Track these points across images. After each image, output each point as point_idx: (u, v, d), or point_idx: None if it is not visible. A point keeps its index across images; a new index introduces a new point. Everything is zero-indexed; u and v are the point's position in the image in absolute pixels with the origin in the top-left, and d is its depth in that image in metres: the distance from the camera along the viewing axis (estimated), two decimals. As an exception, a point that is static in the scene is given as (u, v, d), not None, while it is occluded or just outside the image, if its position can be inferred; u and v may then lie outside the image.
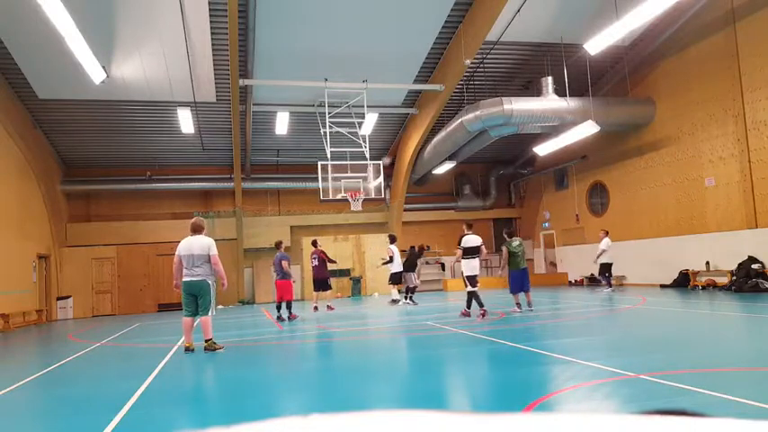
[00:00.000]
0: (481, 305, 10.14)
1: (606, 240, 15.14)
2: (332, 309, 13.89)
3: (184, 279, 7.66)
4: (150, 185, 19.66)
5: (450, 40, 14.66)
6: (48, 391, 6.06)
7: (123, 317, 17.43)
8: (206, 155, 19.68)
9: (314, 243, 14.02)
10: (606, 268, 15.12)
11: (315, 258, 13.57)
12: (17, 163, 15.65)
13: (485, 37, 13.23)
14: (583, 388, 4.46)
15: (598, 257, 15.22)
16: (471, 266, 10.40)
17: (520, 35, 14.55)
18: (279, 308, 11.97)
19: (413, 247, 15.23)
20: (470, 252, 10.42)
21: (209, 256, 7.67)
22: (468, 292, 10.42)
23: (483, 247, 10.64)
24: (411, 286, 14.59)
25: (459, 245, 10.59)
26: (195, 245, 7.68)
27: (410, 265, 14.73)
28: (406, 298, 14.42)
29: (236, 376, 6.15)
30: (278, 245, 12.30)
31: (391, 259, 14.59)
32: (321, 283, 13.64)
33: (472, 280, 10.39)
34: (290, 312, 11.89)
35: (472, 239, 10.51)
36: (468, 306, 10.41)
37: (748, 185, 13.38)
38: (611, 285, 15.15)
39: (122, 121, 17.08)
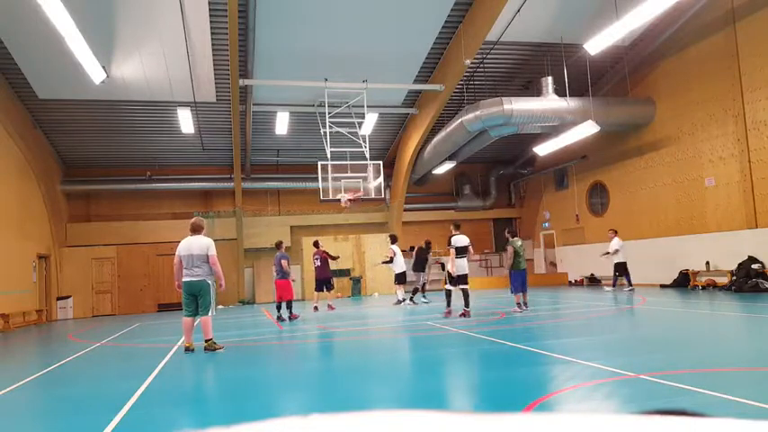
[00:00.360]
0: (449, 305, 10.71)
1: (617, 240, 15.08)
2: (333, 308, 13.92)
3: (184, 279, 7.67)
4: (150, 185, 19.66)
5: (450, 40, 14.66)
6: (48, 391, 6.06)
7: (123, 317, 17.43)
8: (206, 155, 19.69)
9: (315, 244, 14.09)
10: (620, 267, 15.02)
11: (317, 259, 13.67)
12: (17, 163, 15.65)
13: (485, 37, 13.23)
14: (583, 388, 4.46)
15: (608, 254, 15.12)
16: (461, 266, 10.59)
17: (520, 35, 14.55)
18: (279, 308, 11.98)
19: (416, 248, 15.13)
20: (460, 252, 10.60)
21: (207, 256, 7.67)
22: (446, 291, 10.81)
23: (470, 247, 10.81)
24: (418, 287, 14.62)
25: (449, 245, 10.73)
26: (194, 245, 7.68)
27: (420, 265, 14.69)
28: (412, 298, 14.42)
29: (236, 376, 6.15)
30: (278, 245, 12.33)
31: (391, 259, 14.57)
32: (324, 283, 13.75)
33: (460, 279, 10.58)
34: (290, 312, 11.88)
35: (461, 239, 10.66)
36: (467, 305, 10.49)
37: (748, 185, 13.38)
38: (614, 285, 15.08)
39: (122, 121, 17.08)
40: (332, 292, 13.97)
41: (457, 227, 11.01)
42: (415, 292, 14.65)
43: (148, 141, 18.55)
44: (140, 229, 19.59)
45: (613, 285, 15.12)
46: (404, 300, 14.42)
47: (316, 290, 13.88)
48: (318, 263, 13.65)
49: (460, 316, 10.39)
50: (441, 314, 10.84)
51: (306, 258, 19.72)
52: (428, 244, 15.14)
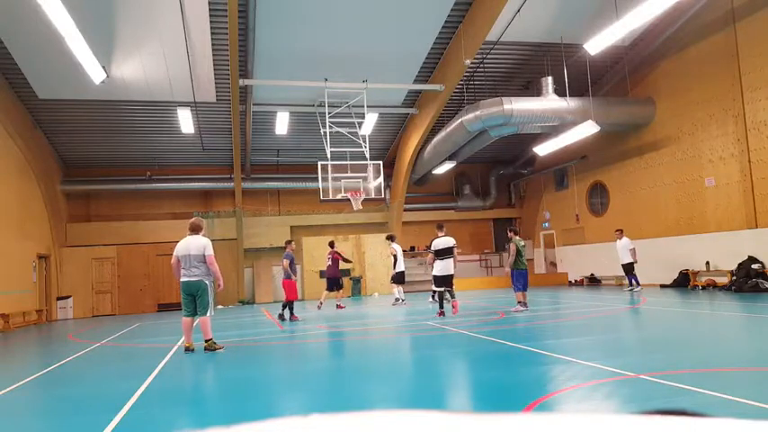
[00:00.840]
0: (441, 306, 10.75)
1: (627, 239, 14.80)
2: (342, 307, 14.08)
3: (182, 279, 7.67)
4: (150, 185, 19.66)
5: (450, 40, 14.66)
6: (48, 391, 6.06)
7: (123, 317, 17.43)
8: (206, 155, 19.69)
9: (331, 244, 14.39)
10: (626, 267, 14.79)
11: (329, 258, 13.98)
12: (17, 163, 15.65)
13: (485, 37, 13.23)
14: (583, 388, 4.46)
15: (634, 255, 14.69)
16: (438, 268, 10.71)
17: (520, 35, 14.55)
18: (284, 306, 12.01)
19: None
20: (442, 254, 10.70)
21: (205, 256, 7.67)
22: (438, 293, 10.90)
23: (455, 248, 10.89)
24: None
25: (430, 248, 10.85)
26: (192, 245, 7.68)
27: None
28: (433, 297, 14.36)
29: (236, 376, 6.15)
30: (285, 244, 12.44)
31: (395, 258, 14.58)
32: (333, 282, 14.01)
33: (439, 280, 10.72)
34: (291, 313, 11.88)
35: (443, 241, 10.76)
36: (453, 297, 10.79)
37: (748, 185, 13.38)
38: (639, 284, 14.67)
39: (122, 121, 17.08)
40: (340, 291, 14.28)
41: (440, 228, 11.13)
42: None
43: (148, 141, 18.55)
44: (140, 229, 19.59)
45: (637, 284, 14.60)
46: (402, 299, 14.43)
47: (327, 289, 14.11)
48: (329, 262, 13.97)
49: (453, 310, 10.61)
50: (436, 314, 10.88)
51: (305, 259, 19.75)
52: None
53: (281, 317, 11.83)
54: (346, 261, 14.43)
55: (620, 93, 16.85)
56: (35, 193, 16.88)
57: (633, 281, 14.73)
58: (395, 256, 14.57)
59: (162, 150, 19.22)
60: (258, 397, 5.08)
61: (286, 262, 11.87)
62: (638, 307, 10.94)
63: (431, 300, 14.39)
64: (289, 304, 11.88)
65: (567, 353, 5.98)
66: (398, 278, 14.62)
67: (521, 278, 10.95)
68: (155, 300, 19.09)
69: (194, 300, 7.68)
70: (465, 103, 16.05)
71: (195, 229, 7.81)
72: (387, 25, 13.72)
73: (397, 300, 14.48)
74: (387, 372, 6.02)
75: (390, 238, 14.95)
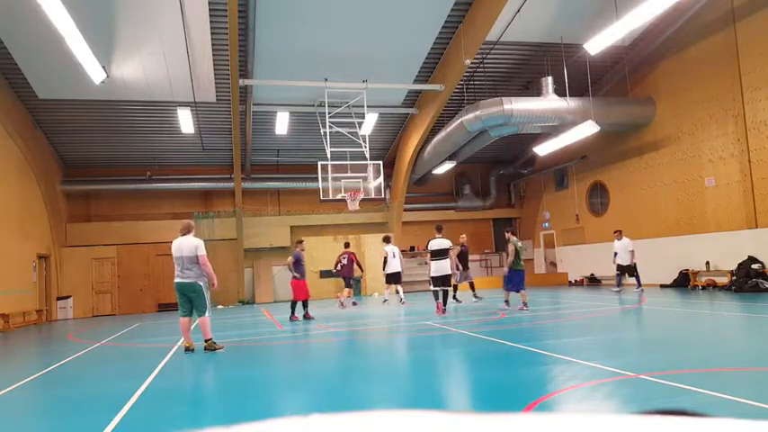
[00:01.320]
0: (442, 301, 11.07)
1: (627, 239, 14.49)
2: (343, 307, 14.22)
3: (176, 280, 7.67)
4: (150, 185, 19.66)
5: (450, 40, 14.66)
6: (48, 391, 6.06)
7: (123, 317, 17.44)
8: (206, 155, 19.68)
9: (346, 245, 14.92)
10: (620, 267, 14.51)
11: (345, 258, 14.37)
12: (17, 163, 15.65)
13: (485, 37, 13.23)
14: (583, 388, 4.46)
15: (633, 257, 14.33)
16: (433, 268, 11.07)
17: (520, 35, 14.55)
18: (304, 306, 11.98)
19: (461, 247, 14.30)
20: (436, 255, 11.04)
21: (197, 256, 7.66)
22: (433, 292, 11.28)
23: (451, 251, 11.22)
24: (469, 281, 14.28)
25: (426, 248, 11.31)
26: (185, 246, 7.69)
27: (464, 264, 14.21)
28: (474, 294, 14.18)
29: (236, 376, 6.15)
30: (296, 244, 12.55)
31: (385, 260, 14.57)
32: (347, 281, 14.53)
33: (441, 280, 11.07)
34: (292, 312, 11.88)
35: (437, 243, 11.10)
36: (444, 303, 11.09)
37: (748, 185, 13.38)
38: (639, 285, 14.20)
39: (122, 121, 17.08)
40: (345, 291, 14.62)
41: (438, 230, 11.42)
42: (472, 287, 14.39)
43: (148, 141, 18.55)
44: (140, 229, 19.59)
45: (638, 285, 14.20)
46: (402, 300, 14.45)
47: (346, 286, 14.62)
48: (345, 261, 14.33)
49: (442, 312, 10.88)
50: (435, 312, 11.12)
51: (305, 258, 19.72)
52: (463, 245, 14.84)
53: (306, 316, 11.79)
54: (360, 267, 14.88)
55: (620, 93, 16.85)
56: (35, 193, 16.88)
57: (636, 281, 14.50)
58: (385, 258, 14.57)
59: (162, 150, 19.22)
60: (258, 397, 5.08)
61: (290, 260, 11.90)
62: (638, 307, 10.95)
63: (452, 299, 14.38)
64: (292, 304, 11.93)
65: (567, 353, 5.98)
66: (390, 279, 14.59)
67: (514, 278, 11.06)
68: (155, 300, 19.09)
69: (189, 300, 7.71)
70: (465, 103, 16.05)
71: (186, 230, 7.83)
72: (387, 25, 13.72)
73: (385, 300, 14.84)
74: (387, 372, 6.02)
75: (386, 240, 14.96)
